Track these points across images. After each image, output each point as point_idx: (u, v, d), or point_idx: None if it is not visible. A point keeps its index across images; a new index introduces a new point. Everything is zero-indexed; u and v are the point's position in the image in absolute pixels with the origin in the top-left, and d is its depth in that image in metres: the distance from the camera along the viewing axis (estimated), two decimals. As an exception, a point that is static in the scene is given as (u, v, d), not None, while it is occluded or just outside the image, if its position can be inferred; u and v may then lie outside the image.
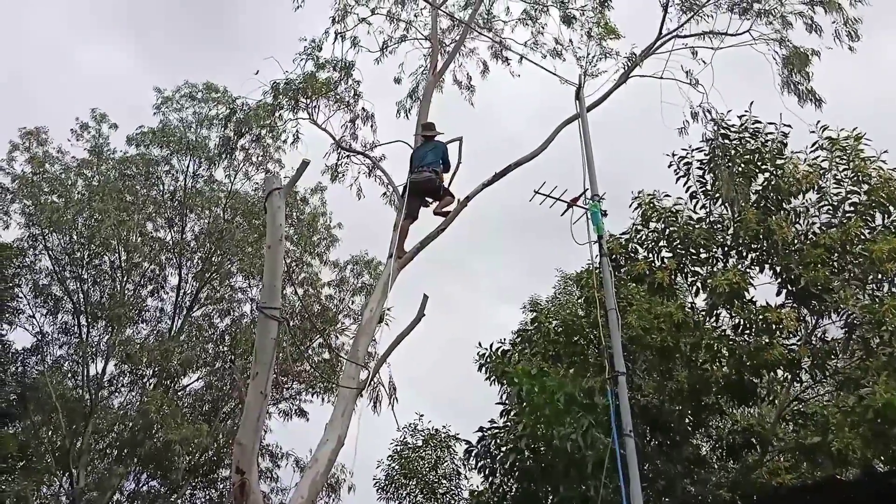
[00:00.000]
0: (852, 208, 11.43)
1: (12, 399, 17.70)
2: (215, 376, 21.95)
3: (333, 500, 19.77)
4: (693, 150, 12.34)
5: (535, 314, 13.12)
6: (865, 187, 11.39)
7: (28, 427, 19.37)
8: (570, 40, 13.90)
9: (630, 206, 12.49)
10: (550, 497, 10.79)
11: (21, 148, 21.22)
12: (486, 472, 11.47)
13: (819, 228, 11.50)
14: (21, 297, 20.28)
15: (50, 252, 21.14)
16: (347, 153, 13.00)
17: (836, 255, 11.01)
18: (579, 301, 13.32)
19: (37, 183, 20.85)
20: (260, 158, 22.44)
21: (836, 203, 11.60)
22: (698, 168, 12.31)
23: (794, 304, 11.10)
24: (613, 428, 6.66)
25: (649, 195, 12.38)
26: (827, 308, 10.96)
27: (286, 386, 20.67)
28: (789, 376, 11.41)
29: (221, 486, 20.83)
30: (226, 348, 22.33)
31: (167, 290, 22.73)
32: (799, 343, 11.09)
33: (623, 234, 12.35)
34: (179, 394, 21.78)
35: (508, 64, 14.96)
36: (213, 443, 19.73)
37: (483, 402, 12.57)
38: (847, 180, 11.59)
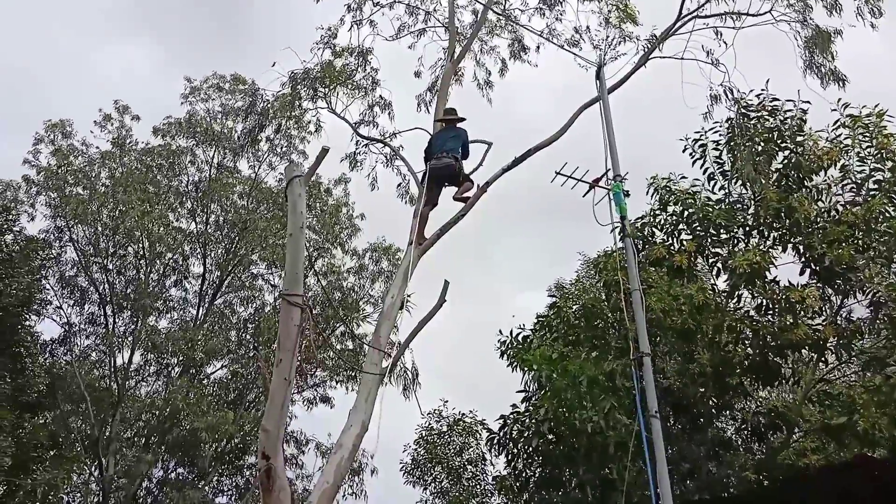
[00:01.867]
0: (876, 185, 11.26)
1: (42, 389, 18.01)
2: (240, 364, 22.22)
3: (357, 483, 20.00)
4: (708, 132, 12.23)
5: (554, 299, 13.10)
6: (889, 164, 11.22)
7: (58, 417, 19.74)
8: (588, 27, 13.74)
9: (646, 191, 12.42)
10: (573, 480, 10.83)
11: (46, 140, 21.52)
12: (509, 458, 11.52)
13: (842, 206, 11.33)
14: (48, 289, 20.63)
15: (75, 244, 21.47)
16: (366, 142, 12.98)
17: (860, 232, 10.85)
18: (599, 284, 13.29)
19: (62, 175, 21.14)
20: (284, 149, 22.67)
21: (859, 180, 11.43)
22: (714, 149, 12.20)
23: (818, 284, 10.97)
24: (638, 409, 6.66)
25: (664, 178, 12.28)
26: (852, 287, 10.84)
27: (310, 373, 20.82)
28: (814, 357, 11.30)
29: (248, 472, 21.14)
30: (249, 337, 22.58)
31: (191, 280, 23.02)
32: (824, 323, 10.97)
33: (639, 218, 12.27)
34: (205, 382, 22.06)
35: (526, 53, 14.81)
36: (239, 430, 19.99)
37: (505, 388, 12.62)
38: (870, 157, 11.42)
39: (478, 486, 17.51)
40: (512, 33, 14.85)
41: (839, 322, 11.15)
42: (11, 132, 37.08)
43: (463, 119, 9.96)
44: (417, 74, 14.59)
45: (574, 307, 12.30)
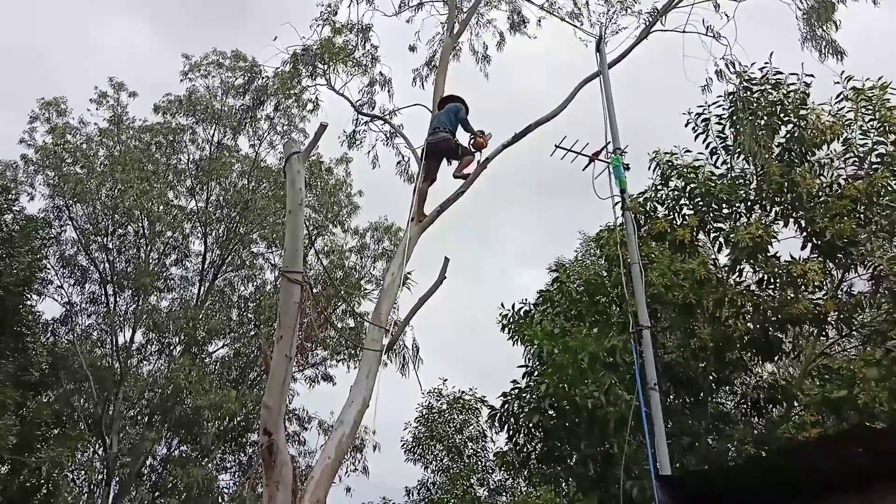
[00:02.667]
0: (879, 159, 11.19)
1: (44, 368, 18.09)
2: (241, 343, 22.29)
3: (359, 460, 20.13)
4: (711, 106, 12.14)
5: (556, 274, 13.09)
6: (892, 137, 11.14)
7: (61, 395, 19.83)
8: (587, 2, 13.60)
9: (648, 167, 12.36)
10: (573, 455, 10.89)
11: (41, 119, 21.38)
12: (510, 433, 11.58)
13: (844, 180, 11.27)
14: (49, 269, 20.61)
15: (75, 223, 21.43)
16: (366, 119, 12.89)
17: (862, 206, 10.80)
18: (600, 261, 13.26)
19: (59, 154, 21.04)
20: (285, 128, 22.55)
21: (861, 154, 11.36)
22: (717, 123, 12.12)
23: (820, 258, 10.95)
24: (638, 382, 6.67)
25: (666, 153, 12.22)
26: (853, 261, 10.82)
27: (311, 351, 20.90)
28: (815, 331, 11.30)
29: (250, 450, 21.28)
30: (251, 315, 22.63)
31: (191, 259, 23.01)
32: (825, 297, 10.97)
33: (641, 193, 12.22)
34: (206, 361, 22.14)
35: (525, 26, 14.67)
36: (242, 408, 20.07)
37: (507, 364, 12.65)
38: (873, 130, 11.34)
39: (479, 463, 17.67)
40: (510, 5, 14.72)
41: (840, 296, 11.15)
42: (6, 110, 36.87)
43: (459, 98, 9.89)
44: (413, 49, 14.47)
45: (576, 282, 12.28)
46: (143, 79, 38.43)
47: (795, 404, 11.34)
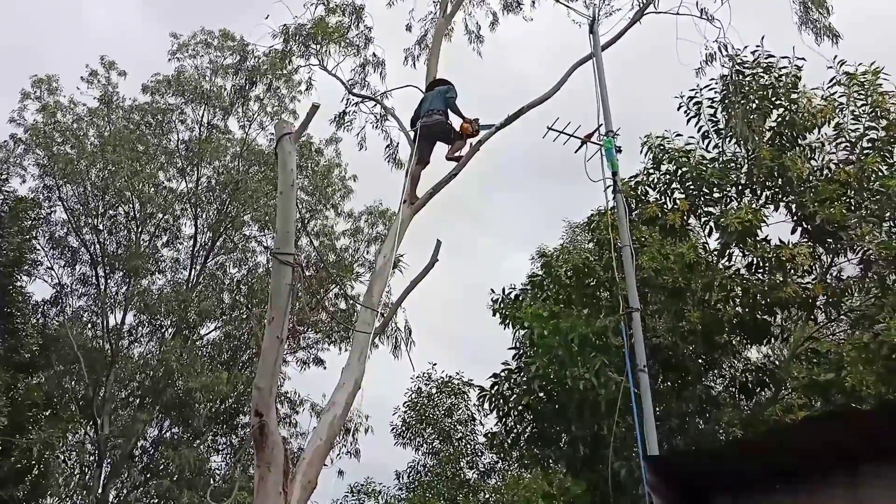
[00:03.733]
0: (870, 144, 11.23)
1: (35, 350, 18.05)
2: (233, 325, 22.28)
3: (351, 443, 20.21)
4: (703, 89, 12.14)
5: (546, 259, 13.12)
6: (884, 122, 11.17)
7: (51, 377, 19.79)
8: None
9: (640, 150, 12.36)
10: (563, 436, 10.98)
11: (32, 97, 21.17)
12: (500, 415, 11.65)
13: (835, 164, 11.32)
14: (39, 249, 20.50)
15: (65, 203, 21.30)
16: (357, 100, 12.79)
17: (852, 191, 10.86)
18: (590, 245, 13.29)
19: (49, 133, 20.86)
20: (275, 108, 22.40)
21: (853, 139, 11.39)
22: (709, 107, 12.12)
23: (809, 242, 11.01)
24: (627, 364, 6.71)
25: (658, 137, 12.22)
26: (842, 245, 10.88)
27: (303, 335, 20.91)
28: (804, 315, 11.39)
29: (242, 432, 21.32)
30: (242, 298, 22.60)
31: (182, 241, 22.93)
32: (813, 281, 11.04)
33: (633, 177, 12.24)
34: (198, 343, 22.13)
35: (521, 7, 14.57)
36: (233, 390, 20.12)
37: (497, 345, 12.74)
38: (865, 115, 11.37)
39: (468, 446, 17.80)
40: None
41: (829, 280, 11.22)
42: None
43: (448, 81, 9.84)
44: (409, 28, 14.34)
45: (564, 267, 12.32)
46: (132, 56, 38.01)
47: (783, 387, 11.44)
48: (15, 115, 20.93)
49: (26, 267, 18.26)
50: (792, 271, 10.67)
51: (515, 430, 11.51)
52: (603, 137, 7.74)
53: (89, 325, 21.87)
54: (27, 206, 18.67)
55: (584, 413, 10.03)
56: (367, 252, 22.59)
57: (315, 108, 6.52)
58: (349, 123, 12.83)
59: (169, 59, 22.44)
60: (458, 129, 9.38)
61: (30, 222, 18.98)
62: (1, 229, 16.40)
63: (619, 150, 7.71)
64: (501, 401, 11.37)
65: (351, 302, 20.55)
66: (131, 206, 21.85)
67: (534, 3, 14.40)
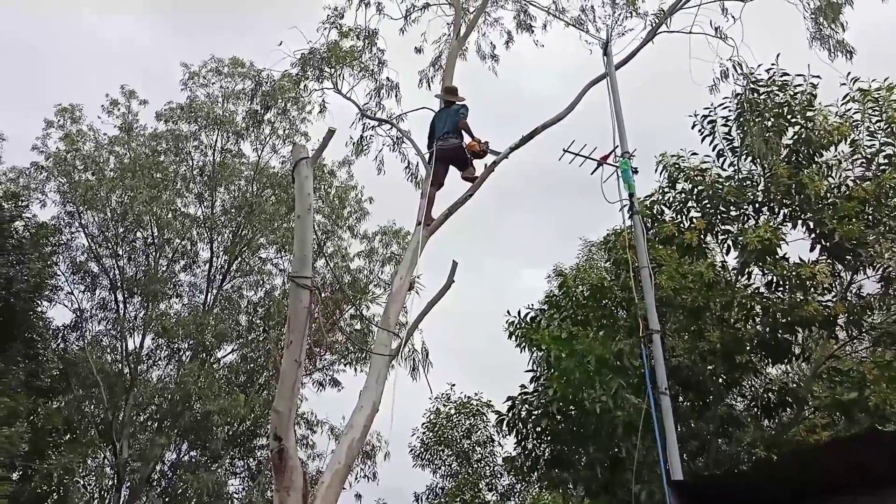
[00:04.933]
0: (886, 160, 11.16)
1: (55, 375, 18.18)
2: (249, 348, 22.34)
3: (369, 466, 20.11)
4: (717, 108, 12.13)
5: (562, 279, 13.08)
6: (900, 138, 11.11)
7: (71, 401, 19.92)
8: (593, 7, 13.60)
9: (655, 170, 12.34)
10: (582, 459, 10.86)
11: (56, 125, 21.53)
12: (518, 438, 11.56)
13: (852, 181, 11.24)
14: (59, 275, 20.71)
15: (85, 229, 21.55)
16: (372, 124, 12.84)
17: (870, 208, 10.77)
18: (607, 264, 13.23)
19: (70, 161, 21.17)
20: (287, 131, 22.64)
21: (869, 155, 11.32)
22: (724, 125, 12.10)
23: (829, 260, 10.91)
24: (648, 386, 6.65)
25: (673, 156, 12.20)
26: (862, 262, 10.77)
27: (320, 356, 20.95)
28: (825, 333, 11.25)
29: (260, 454, 21.30)
30: (259, 320, 22.69)
31: (199, 265, 23.10)
32: (834, 299, 10.92)
33: (648, 196, 12.21)
34: (215, 366, 22.20)
35: (532, 32, 14.67)
36: (250, 413, 20.13)
37: (513, 366, 12.64)
38: (880, 132, 11.31)
39: (487, 468, 17.65)
40: (517, 3, 14.73)
41: (849, 298, 11.10)
42: (8, 108, 37.00)
43: (462, 99, 9.88)
44: (419, 50, 14.48)
45: (581, 287, 12.27)
46: (149, 74, 38.45)
47: (806, 407, 11.29)
48: (38, 142, 21.31)
49: (47, 292, 18.41)
50: (812, 289, 10.56)
51: (534, 453, 11.40)
52: (619, 159, 7.73)
53: (108, 350, 22.02)
54: (48, 233, 18.90)
55: (603, 435, 9.93)
56: (382, 272, 22.66)
57: (331, 132, 6.59)
58: (366, 148, 12.89)
59: (181, 89, 22.83)
60: (466, 147, 9.40)
61: (51, 248, 19.19)
62: (22, 255, 16.58)
63: (635, 172, 7.68)
64: (519, 423, 11.28)
65: (367, 323, 20.60)
66: (149, 231, 22.07)
67: (545, 25, 14.54)
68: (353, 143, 12.82)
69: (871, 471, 3.80)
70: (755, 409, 11.49)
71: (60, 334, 20.85)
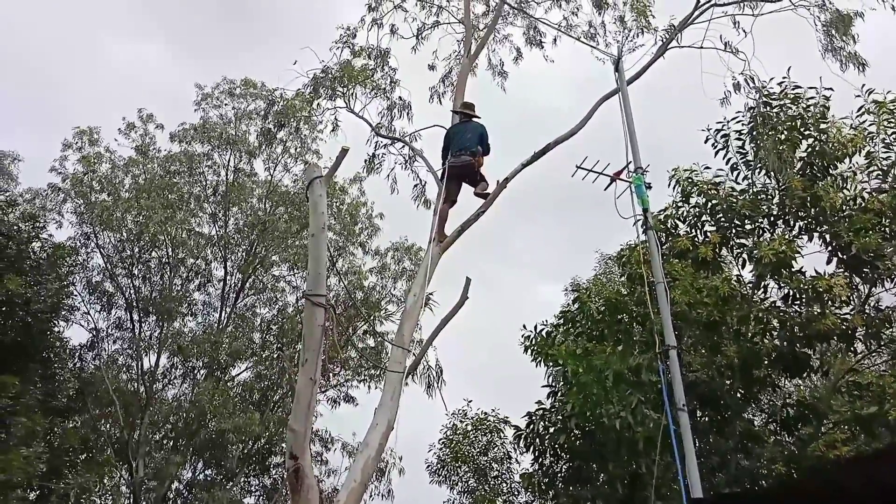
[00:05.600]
0: (902, 172, 11.10)
1: (72, 394, 18.26)
2: (263, 365, 22.38)
3: (384, 483, 20.02)
4: (730, 122, 12.12)
5: (577, 294, 13.04)
6: (916, 150, 11.04)
7: (87, 421, 19.96)
8: (603, 22, 13.64)
9: (668, 184, 12.32)
10: (601, 475, 10.78)
11: (74, 147, 21.80)
12: (536, 454, 11.49)
13: (868, 193, 11.18)
14: (76, 295, 20.85)
15: (101, 250, 21.72)
16: (384, 142, 12.90)
17: (886, 220, 10.70)
18: (621, 279, 13.19)
19: (87, 182, 21.39)
20: (298, 150, 22.80)
21: (885, 167, 11.26)
22: (737, 139, 12.08)
23: (846, 272, 10.83)
24: (665, 403, 6.60)
25: (686, 170, 12.18)
26: (880, 275, 10.69)
27: (333, 373, 20.95)
28: (843, 347, 11.15)
29: (275, 472, 21.27)
30: (272, 338, 22.73)
31: (213, 283, 23.20)
32: (852, 312, 10.83)
33: (662, 210, 12.18)
34: (230, 384, 22.23)
35: (542, 48, 14.73)
36: (265, 431, 20.11)
37: (527, 379, 12.58)
38: (896, 143, 11.26)
39: (504, 485, 17.51)
40: (526, 20, 14.80)
41: (867, 311, 11.01)
42: (26, 130, 37.50)
43: (478, 117, 9.91)
44: (432, 67, 14.58)
45: (597, 301, 12.23)
46: (163, 94, 38.91)
47: (825, 422, 11.16)
48: (56, 164, 21.56)
49: (64, 312, 18.53)
50: (829, 302, 10.48)
51: (552, 470, 11.33)
52: (632, 174, 7.72)
53: (124, 369, 22.12)
54: (65, 253, 19.03)
55: (621, 452, 9.86)
56: (394, 288, 22.67)
57: (344, 151, 6.62)
58: (378, 166, 12.95)
59: (195, 110, 23.09)
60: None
61: (67, 269, 19.33)
62: (40, 276, 16.71)
63: (649, 187, 7.67)
64: (537, 440, 11.22)
65: (380, 339, 20.59)
66: (164, 251, 22.22)
67: (555, 40, 14.58)
68: (365, 162, 12.90)
69: (893, 489, 3.74)
70: (774, 425, 11.38)
71: (77, 354, 20.96)
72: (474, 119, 9.84)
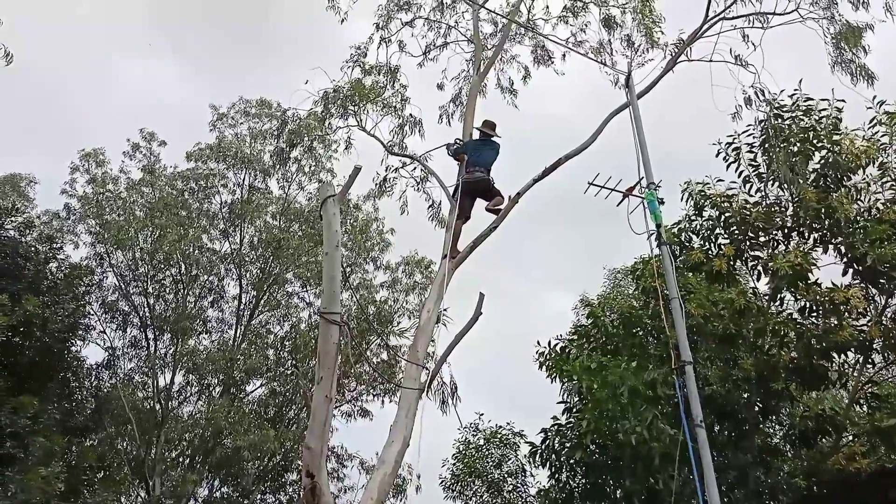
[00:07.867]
0: (917, 183, 11.05)
1: (89, 413, 18.36)
2: (278, 382, 22.41)
3: (401, 500, 19.96)
4: (741, 135, 12.12)
5: (590, 308, 13.02)
6: (930, 160, 11.00)
7: (104, 439, 20.05)
8: (610, 41, 13.67)
9: (681, 197, 12.32)
10: (618, 491, 10.71)
11: (81, 169, 22.06)
12: (552, 470, 11.44)
13: (882, 204, 11.13)
14: (92, 315, 21.00)
15: (115, 269, 21.88)
16: (395, 165, 12.84)
17: (902, 231, 10.64)
18: (635, 293, 13.16)
19: (100, 203, 21.61)
20: (312, 168, 22.97)
21: (899, 178, 11.22)
22: (749, 152, 12.07)
23: (862, 284, 10.77)
24: (683, 419, 6.57)
25: (698, 184, 12.18)
26: (896, 286, 10.62)
27: (348, 388, 20.95)
28: (861, 358, 11.07)
29: (291, 490, 21.24)
30: (287, 354, 22.77)
31: (227, 301, 23.31)
32: (869, 323, 10.76)
33: (675, 224, 12.17)
34: (245, 401, 22.28)
35: (552, 63, 14.79)
36: (280, 448, 20.13)
37: (542, 394, 12.54)
38: (910, 154, 11.22)
39: (519, 499, 17.40)
40: (534, 39, 14.86)
41: (885, 322, 10.92)
42: (39, 149, 37.93)
43: (499, 136, 9.98)
44: (440, 87, 14.63)
45: (611, 316, 12.21)
46: (174, 113, 39.32)
47: (845, 434, 11.06)
48: (66, 186, 21.81)
49: (80, 332, 18.67)
50: (846, 314, 10.41)
51: (569, 486, 11.28)
52: (644, 190, 7.72)
53: (140, 386, 22.21)
54: (81, 273, 19.22)
55: (638, 467, 9.80)
56: (406, 302, 22.68)
57: (357, 170, 6.69)
58: (390, 189, 12.96)
59: (210, 130, 23.33)
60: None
61: (83, 289, 19.50)
62: (57, 296, 16.86)
63: (661, 202, 7.65)
64: (553, 455, 11.18)
65: (393, 354, 20.59)
66: (178, 269, 22.37)
67: (564, 56, 14.63)
68: (377, 185, 12.92)
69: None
70: (793, 438, 11.28)
71: (94, 373, 21.06)
72: (493, 139, 9.89)
